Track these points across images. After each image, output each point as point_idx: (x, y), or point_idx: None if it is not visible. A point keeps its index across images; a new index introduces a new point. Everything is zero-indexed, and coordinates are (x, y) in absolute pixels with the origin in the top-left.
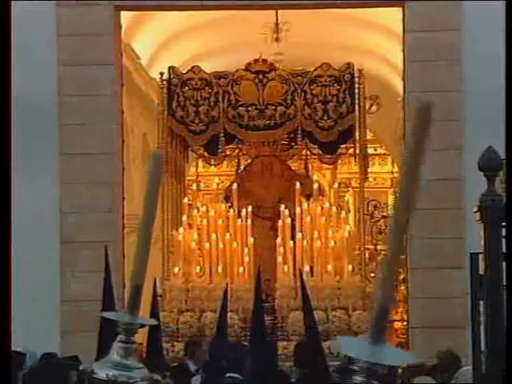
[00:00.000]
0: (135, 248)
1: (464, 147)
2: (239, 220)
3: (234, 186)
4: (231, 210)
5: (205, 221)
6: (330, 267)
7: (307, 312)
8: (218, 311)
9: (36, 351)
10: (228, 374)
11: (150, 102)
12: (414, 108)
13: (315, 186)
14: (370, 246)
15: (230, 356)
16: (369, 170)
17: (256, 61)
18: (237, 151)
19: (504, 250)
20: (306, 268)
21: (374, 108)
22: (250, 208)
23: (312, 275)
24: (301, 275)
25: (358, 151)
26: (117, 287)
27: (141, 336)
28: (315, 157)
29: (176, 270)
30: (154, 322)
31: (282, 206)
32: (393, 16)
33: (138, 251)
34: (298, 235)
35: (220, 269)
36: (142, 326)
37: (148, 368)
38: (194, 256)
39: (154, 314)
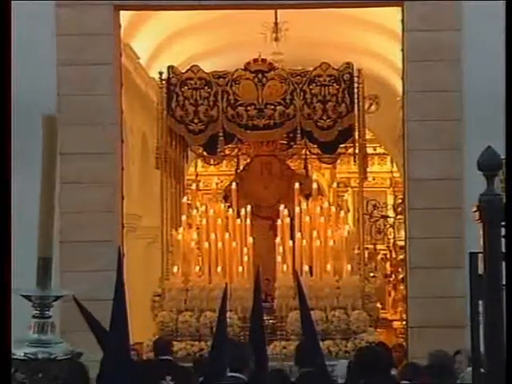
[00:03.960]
0: (39, 219)
1: (463, 147)
2: (238, 220)
3: (234, 185)
4: (230, 209)
5: (204, 220)
6: (329, 267)
7: (303, 312)
8: (217, 311)
9: None
10: (231, 374)
11: (149, 102)
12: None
13: (314, 185)
14: (369, 246)
15: (234, 356)
16: (368, 169)
17: (255, 60)
18: (236, 151)
19: (503, 249)
20: (306, 268)
21: (373, 108)
22: (249, 208)
23: (311, 275)
24: (297, 275)
25: (357, 151)
26: None
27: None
28: (314, 156)
29: (175, 269)
30: (67, 292)
31: (282, 206)
32: (392, 16)
33: (43, 221)
34: (297, 235)
35: (219, 268)
36: (56, 298)
37: None
38: (193, 256)
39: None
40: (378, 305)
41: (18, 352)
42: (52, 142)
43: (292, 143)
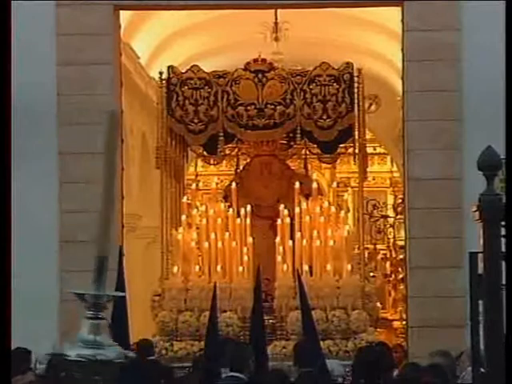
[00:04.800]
0: (98, 219)
1: (463, 146)
2: (238, 219)
3: (233, 185)
4: (230, 209)
5: (204, 220)
6: (329, 267)
7: (304, 311)
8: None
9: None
10: (231, 374)
11: (149, 102)
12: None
13: (314, 185)
14: (369, 246)
15: (234, 356)
16: (368, 169)
17: (255, 60)
18: (236, 150)
19: (503, 249)
20: (305, 267)
21: (373, 107)
22: (249, 207)
23: (311, 275)
24: (298, 275)
25: (357, 150)
26: None
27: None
28: (314, 156)
29: (175, 269)
30: (121, 293)
31: (281, 206)
32: (392, 15)
33: (102, 221)
34: (297, 235)
35: (219, 268)
36: (112, 298)
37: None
38: (193, 255)
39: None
40: (378, 305)
41: (71, 353)
42: (113, 139)
43: (292, 143)
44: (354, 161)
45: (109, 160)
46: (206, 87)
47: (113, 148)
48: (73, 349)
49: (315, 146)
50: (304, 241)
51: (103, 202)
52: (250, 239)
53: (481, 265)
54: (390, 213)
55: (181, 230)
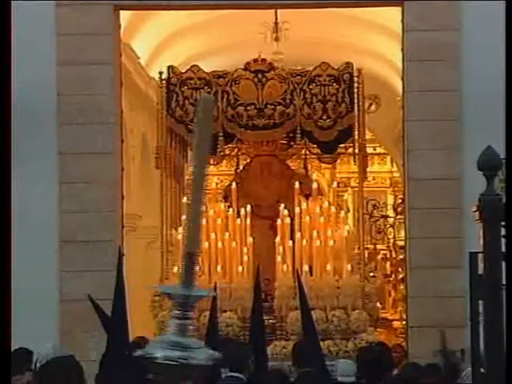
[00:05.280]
0: (186, 211)
1: (463, 146)
2: (238, 219)
3: (233, 185)
4: (230, 209)
5: (204, 220)
6: (329, 267)
7: (304, 312)
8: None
9: (37, 351)
10: (230, 374)
11: (149, 102)
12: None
13: (314, 185)
14: (369, 246)
15: (234, 356)
16: (368, 169)
17: (255, 60)
18: (236, 150)
19: (503, 249)
20: (305, 267)
21: (373, 107)
22: (249, 207)
23: (311, 275)
24: (298, 275)
25: (357, 151)
26: None
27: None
28: (314, 156)
29: (175, 269)
30: (212, 293)
31: (281, 206)
32: (392, 15)
33: (190, 214)
34: (297, 235)
35: (219, 268)
36: (200, 298)
37: None
38: None
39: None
40: (378, 305)
41: (157, 354)
42: (207, 126)
43: (292, 143)
44: (354, 161)
45: (200, 149)
46: (206, 87)
47: (205, 136)
48: (160, 350)
49: (315, 146)
50: (304, 241)
51: (192, 193)
52: (249, 239)
53: (481, 265)
54: (390, 213)
55: (181, 230)
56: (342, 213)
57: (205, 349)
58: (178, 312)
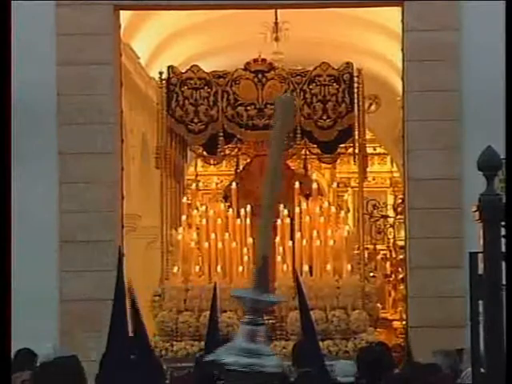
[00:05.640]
0: (261, 214)
1: (463, 146)
2: (238, 220)
3: (233, 185)
4: (230, 209)
5: (204, 220)
6: (329, 267)
7: (303, 312)
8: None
9: (37, 351)
10: None
11: (149, 102)
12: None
13: (314, 185)
14: (369, 246)
15: None
16: (368, 169)
17: (255, 60)
18: (236, 150)
19: (503, 249)
20: (305, 267)
21: (373, 107)
22: (249, 207)
23: (311, 275)
24: (296, 275)
25: (357, 151)
26: None
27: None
28: (314, 156)
29: (175, 269)
30: (283, 298)
31: (281, 206)
32: (392, 15)
33: (264, 216)
34: (297, 235)
35: (219, 268)
36: (272, 304)
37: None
38: (193, 255)
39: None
40: (378, 305)
41: (228, 359)
42: (285, 125)
43: (292, 143)
44: (354, 161)
45: (275, 152)
46: (206, 87)
47: (282, 136)
48: (230, 355)
49: (315, 146)
50: (304, 241)
51: (266, 195)
52: (249, 239)
53: (481, 265)
54: (390, 213)
55: (181, 230)
56: (342, 213)
57: (274, 356)
58: (248, 317)
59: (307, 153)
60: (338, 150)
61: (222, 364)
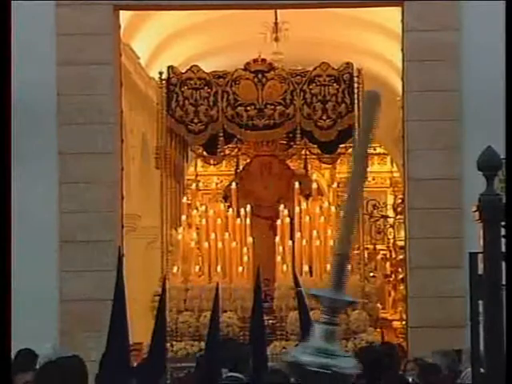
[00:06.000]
0: (342, 211)
1: (463, 147)
2: (238, 220)
3: (233, 185)
4: (230, 209)
5: (204, 220)
6: (329, 267)
7: (302, 312)
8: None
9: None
10: (230, 374)
11: (149, 102)
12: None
13: (314, 185)
14: (369, 246)
15: (233, 356)
16: (368, 169)
17: (255, 60)
18: (236, 151)
19: (503, 249)
20: (305, 268)
21: None
22: (248, 207)
23: (311, 275)
24: (295, 275)
25: None
26: None
27: (139, 335)
28: (314, 156)
29: (175, 269)
30: (356, 299)
31: (281, 206)
32: (392, 15)
33: (345, 214)
34: (297, 235)
35: (219, 268)
36: (349, 304)
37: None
38: (193, 255)
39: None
40: (378, 305)
41: (303, 358)
42: (371, 122)
43: (292, 143)
44: None
45: (362, 147)
46: (206, 87)
47: (368, 135)
48: (306, 355)
49: (315, 146)
50: (304, 241)
51: (349, 192)
52: (249, 239)
53: (481, 265)
54: (390, 213)
55: (181, 230)
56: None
57: (350, 357)
58: (325, 317)
59: (307, 153)
60: (338, 150)
61: (301, 365)
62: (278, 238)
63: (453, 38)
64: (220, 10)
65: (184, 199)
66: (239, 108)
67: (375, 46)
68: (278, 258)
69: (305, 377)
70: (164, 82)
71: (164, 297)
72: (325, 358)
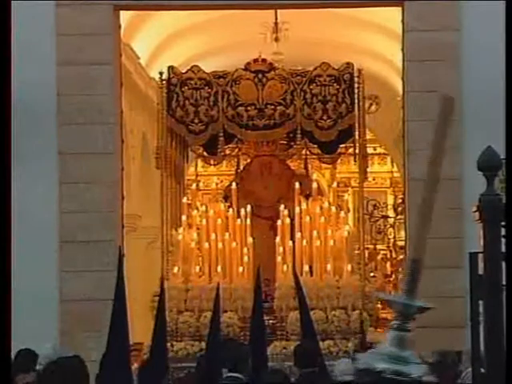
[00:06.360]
0: (418, 215)
1: (463, 146)
2: (238, 220)
3: (234, 185)
4: (230, 209)
5: (204, 220)
6: (329, 267)
7: (303, 312)
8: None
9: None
10: (229, 375)
11: (149, 102)
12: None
13: (314, 185)
14: (369, 246)
15: (232, 356)
16: (368, 169)
17: (255, 60)
18: (236, 151)
19: (503, 249)
20: (306, 268)
21: (373, 108)
22: (249, 208)
23: (311, 275)
24: (296, 275)
25: (357, 151)
26: None
27: (139, 336)
28: (314, 156)
29: (175, 269)
30: (431, 306)
31: (282, 206)
32: (392, 16)
33: (421, 218)
34: (298, 235)
35: (219, 269)
36: (421, 311)
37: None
38: (193, 256)
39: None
40: (378, 305)
41: (377, 364)
42: (446, 126)
43: (292, 143)
44: (355, 161)
45: (436, 151)
46: (207, 87)
47: (443, 137)
48: (379, 361)
49: (315, 146)
50: (304, 241)
51: (425, 196)
52: (250, 239)
53: (481, 265)
54: (391, 213)
55: (181, 230)
56: (342, 213)
57: (421, 364)
58: (396, 322)
59: (307, 153)
60: (339, 150)
61: (375, 372)
62: (278, 238)
63: (453, 37)
64: (220, 10)
65: (184, 199)
66: (239, 108)
67: (375, 46)
68: (279, 258)
69: (377, 383)
70: (164, 82)
71: (163, 297)
72: (397, 365)
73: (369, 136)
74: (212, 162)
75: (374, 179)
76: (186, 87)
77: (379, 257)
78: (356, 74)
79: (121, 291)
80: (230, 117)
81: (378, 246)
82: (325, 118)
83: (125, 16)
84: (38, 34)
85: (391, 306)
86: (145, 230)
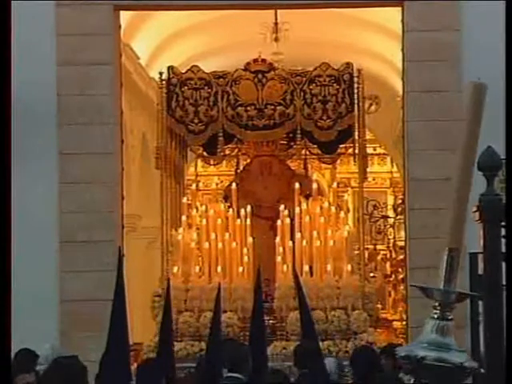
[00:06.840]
0: (452, 205)
1: None
2: (238, 220)
3: (233, 185)
4: (230, 209)
5: (204, 221)
6: (329, 267)
7: (303, 312)
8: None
9: (36, 351)
10: (229, 375)
11: (149, 102)
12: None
13: (314, 185)
14: (369, 246)
15: (232, 356)
16: (368, 169)
17: (255, 60)
18: (236, 151)
19: (503, 249)
20: (306, 268)
21: (373, 108)
22: (249, 208)
23: (311, 275)
24: (296, 275)
25: (357, 151)
26: None
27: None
28: (314, 156)
29: (175, 269)
30: (475, 293)
31: (281, 206)
32: (392, 16)
33: (456, 208)
34: (297, 235)
35: (219, 269)
36: (460, 299)
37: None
38: (193, 256)
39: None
40: (378, 305)
41: (419, 352)
42: (478, 112)
43: (292, 143)
44: (354, 161)
45: (468, 144)
46: (206, 87)
47: (476, 128)
48: (420, 349)
49: (315, 146)
50: (304, 241)
51: (458, 187)
52: (250, 240)
53: (481, 265)
54: (390, 213)
55: (181, 230)
56: (342, 213)
57: (464, 351)
58: (435, 312)
59: (307, 153)
60: (338, 151)
61: (415, 358)
62: (278, 239)
63: (453, 37)
64: (220, 10)
65: (184, 199)
66: (239, 108)
67: (375, 46)
68: (279, 259)
69: (419, 370)
70: (164, 82)
71: (169, 297)
72: (439, 352)
73: (368, 136)
74: (212, 162)
75: (373, 179)
76: (186, 87)
77: (379, 257)
78: (356, 74)
79: (121, 291)
80: (230, 117)
81: (378, 247)
82: (324, 118)
83: (125, 16)
84: (38, 33)
85: (431, 294)
86: (145, 230)
